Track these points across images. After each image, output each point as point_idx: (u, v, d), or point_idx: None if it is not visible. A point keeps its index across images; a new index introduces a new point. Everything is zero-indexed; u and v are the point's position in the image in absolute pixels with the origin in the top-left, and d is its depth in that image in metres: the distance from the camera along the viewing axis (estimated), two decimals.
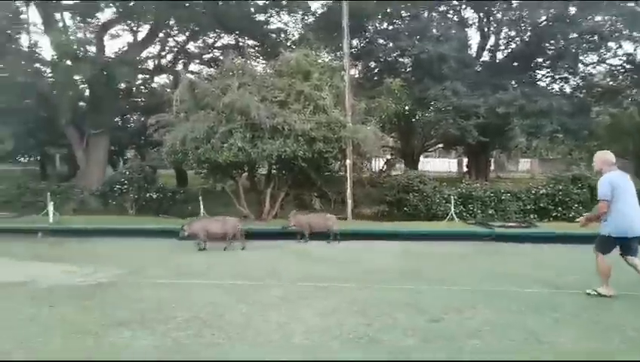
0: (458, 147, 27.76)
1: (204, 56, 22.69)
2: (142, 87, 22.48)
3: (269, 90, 11.45)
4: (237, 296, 5.67)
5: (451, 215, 12.17)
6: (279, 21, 20.67)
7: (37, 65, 16.66)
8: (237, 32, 20.59)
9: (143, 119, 25.48)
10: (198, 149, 11.24)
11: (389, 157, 18.90)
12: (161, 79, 24.63)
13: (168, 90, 22.26)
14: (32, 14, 24.48)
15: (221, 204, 14.04)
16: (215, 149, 11.13)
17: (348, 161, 11.97)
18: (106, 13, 17.72)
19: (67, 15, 16.70)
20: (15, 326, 4.66)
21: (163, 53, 21.32)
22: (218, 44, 22.23)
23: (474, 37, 35.16)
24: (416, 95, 17.64)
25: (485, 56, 21.22)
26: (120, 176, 14.14)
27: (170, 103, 16.44)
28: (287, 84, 11.48)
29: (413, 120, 20.42)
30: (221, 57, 21.33)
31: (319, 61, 11.73)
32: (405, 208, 12.86)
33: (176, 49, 21.70)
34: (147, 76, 21.76)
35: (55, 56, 16.11)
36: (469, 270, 7.28)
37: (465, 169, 25.45)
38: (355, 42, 19.14)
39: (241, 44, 21.05)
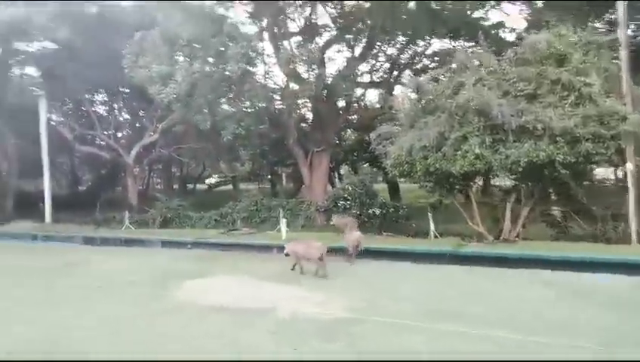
0: None
1: (414, 67, 21.65)
2: (355, 104, 22.66)
3: (511, 83, 9.38)
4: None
5: None
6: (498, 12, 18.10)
7: (270, 92, 17.91)
8: (450, 35, 18.80)
9: (355, 136, 26.00)
10: (427, 159, 9.90)
11: None
12: (373, 95, 24.51)
13: (379, 105, 22.19)
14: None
15: (448, 220, 12.40)
16: (447, 158, 9.63)
17: (629, 165, 8.91)
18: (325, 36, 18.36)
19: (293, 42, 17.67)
20: None
21: (377, 67, 21.05)
22: (428, 51, 20.92)
23: None
24: None
25: None
26: (342, 191, 13.85)
27: (386, 117, 15.76)
28: (536, 73, 9.21)
29: None
30: (430, 65, 20.12)
31: (578, 39, 9.08)
32: None
33: (387, 62, 21.16)
34: (363, 90, 21.81)
35: (284, 81, 17.22)
36: None
37: None
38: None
39: (453, 47, 19.30)
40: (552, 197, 11.18)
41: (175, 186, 33.62)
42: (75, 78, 19.52)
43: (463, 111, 9.46)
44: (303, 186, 26.23)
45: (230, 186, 39.62)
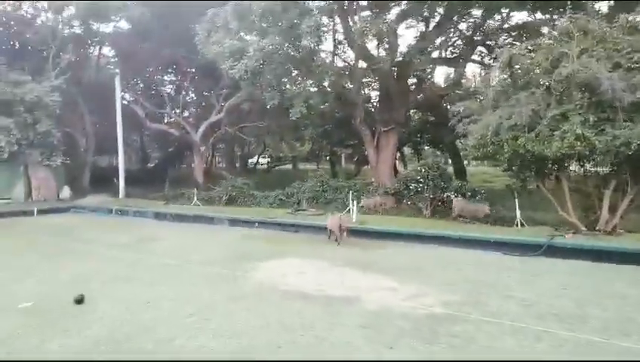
0: None
1: (487, 43, 20.11)
2: (426, 82, 21.55)
3: (623, 54, 8.18)
4: None
5: None
6: None
7: (339, 70, 17.31)
8: (533, 7, 17.12)
9: (418, 116, 24.88)
10: (517, 140, 8.96)
11: None
12: (438, 75, 23.20)
13: (447, 84, 20.92)
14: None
15: (530, 207, 11.38)
16: (541, 139, 8.65)
17: None
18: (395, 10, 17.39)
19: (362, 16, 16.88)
20: None
21: (448, 43, 19.77)
22: (505, 26, 19.28)
23: None
24: None
25: None
26: (415, 173, 13.10)
27: (455, 96, 14.69)
28: None
29: None
30: (507, 41, 18.56)
31: None
32: None
33: (460, 39, 19.77)
34: (430, 68, 20.64)
35: (353, 59, 16.56)
36: None
37: None
38: None
39: (533, 21, 17.63)
40: None
41: (237, 165, 34.11)
42: (147, 57, 19.95)
43: (564, 86, 8.41)
44: (366, 167, 25.77)
45: (288, 166, 39.82)
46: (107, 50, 22.44)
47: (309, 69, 15.80)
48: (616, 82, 7.77)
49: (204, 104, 24.29)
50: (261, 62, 13.41)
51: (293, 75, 16.33)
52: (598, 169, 10.21)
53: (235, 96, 19.73)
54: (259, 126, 22.47)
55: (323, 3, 14.92)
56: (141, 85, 24.06)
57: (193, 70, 21.95)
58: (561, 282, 5.95)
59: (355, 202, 11.74)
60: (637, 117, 7.88)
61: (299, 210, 13.52)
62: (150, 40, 19.35)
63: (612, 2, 14.99)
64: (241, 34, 14.39)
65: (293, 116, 14.59)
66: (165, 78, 24.31)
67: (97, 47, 21.90)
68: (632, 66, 8.02)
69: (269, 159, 39.06)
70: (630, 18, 8.97)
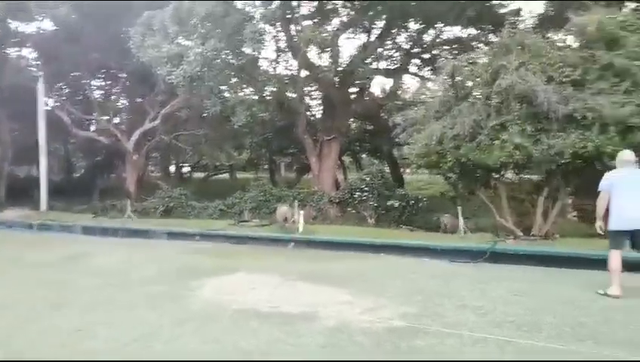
0: None
1: (422, 55, 20.86)
2: (366, 92, 21.89)
3: (556, 68, 8.67)
4: None
5: None
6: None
7: (282, 78, 17.12)
8: (465, 22, 17.95)
9: (358, 125, 25.23)
10: (459, 149, 9.22)
11: None
12: (376, 85, 23.74)
13: (383, 95, 21.41)
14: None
15: (472, 214, 11.79)
16: (482, 148, 8.95)
17: None
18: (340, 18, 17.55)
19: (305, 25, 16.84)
20: None
21: (386, 55, 20.23)
22: (438, 39, 20.11)
23: None
24: None
25: None
26: (360, 182, 13.15)
27: (394, 106, 15.07)
28: (584, 58, 8.53)
29: None
30: (439, 55, 19.36)
31: (637, 21, 8.39)
32: None
33: (397, 51, 20.32)
34: (371, 78, 21.00)
35: (295, 67, 16.47)
36: None
37: None
38: None
39: (465, 35, 18.59)
40: (588, 190, 10.56)
41: (172, 174, 32.74)
42: (74, 60, 18.59)
43: (503, 97, 8.77)
44: (307, 176, 25.68)
45: (225, 175, 38.86)
46: (29, 52, 20.69)
47: (250, 77, 15.47)
48: (550, 94, 8.20)
49: (137, 111, 23.06)
50: (201, 68, 12.91)
51: (234, 82, 15.92)
52: (532, 176, 10.79)
53: (172, 103, 18.88)
54: (196, 134, 21.69)
55: (264, 10, 14.69)
56: (67, 90, 22.40)
57: (125, 75, 20.79)
58: (510, 288, 6.08)
59: (301, 212, 11.51)
60: (569, 128, 8.35)
61: (242, 221, 13.08)
62: (78, 42, 18.04)
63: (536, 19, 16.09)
64: (180, 38, 13.79)
65: (236, 124, 14.16)
66: (94, 82, 22.81)
67: (18, 48, 20.14)
68: (564, 80, 8.52)
69: (186, 169, 37.79)
70: (559, 36, 9.62)
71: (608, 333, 4.33)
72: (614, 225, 5.90)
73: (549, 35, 9.86)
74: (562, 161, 8.44)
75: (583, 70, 8.48)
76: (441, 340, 4.32)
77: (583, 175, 9.82)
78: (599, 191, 6.20)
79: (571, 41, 9.49)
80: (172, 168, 34.94)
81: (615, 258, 5.84)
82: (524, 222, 10.47)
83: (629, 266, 6.59)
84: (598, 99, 7.98)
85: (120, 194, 18.80)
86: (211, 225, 12.78)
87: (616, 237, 5.89)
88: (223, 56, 13.64)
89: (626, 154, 6.23)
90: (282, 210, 11.69)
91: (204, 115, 19.07)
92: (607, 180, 6.12)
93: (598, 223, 6.18)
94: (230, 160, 33.18)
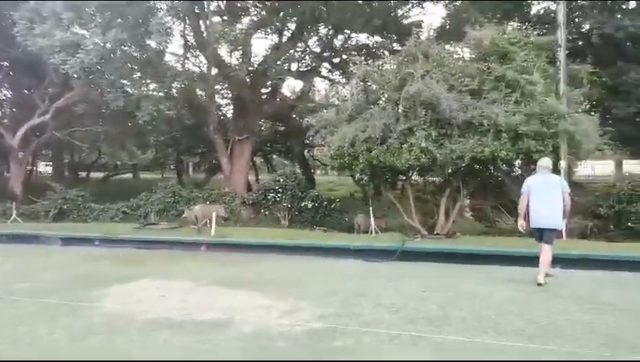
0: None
1: (333, 59, 21.40)
2: (278, 93, 21.85)
3: (456, 77, 9.33)
4: None
5: None
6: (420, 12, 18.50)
7: (191, 74, 16.44)
8: (372, 31, 18.72)
9: (269, 126, 25.12)
10: (371, 151, 9.55)
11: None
12: (286, 87, 23.76)
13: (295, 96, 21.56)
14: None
15: (381, 214, 12.27)
16: (391, 151, 9.35)
17: (562, 163, 9.35)
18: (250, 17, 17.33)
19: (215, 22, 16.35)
20: None
21: (297, 57, 20.36)
22: (346, 45, 20.77)
23: None
24: (607, 82, 14.25)
25: None
26: (273, 183, 13.05)
27: (306, 109, 15.27)
28: (481, 70, 9.28)
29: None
30: (348, 60, 20.02)
31: (518, 38, 9.32)
32: (630, 223, 9.85)
33: (308, 55, 20.56)
34: (283, 80, 21.01)
35: (205, 64, 15.93)
36: None
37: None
38: None
39: (372, 43, 19.45)
40: (483, 191, 11.52)
41: (66, 174, 29.89)
42: None
43: (410, 103, 9.23)
44: (217, 177, 24.98)
45: (129, 175, 36.47)
46: None
47: (156, 72, 14.65)
48: (452, 102, 8.80)
49: (24, 104, 20.71)
50: (100, 59, 11.95)
51: (138, 76, 14.99)
52: (435, 179, 11.51)
53: (66, 96, 17.24)
54: (94, 130, 20.03)
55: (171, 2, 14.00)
56: None
57: (7, 64, 18.58)
58: (420, 285, 6.40)
59: (213, 213, 11.13)
60: (468, 133, 9.02)
61: (148, 224, 12.32)
62: None
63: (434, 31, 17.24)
64: (76, 26, 12.64)
65: (141, 119, 13.29)
66: None
67: None
68: (463, 89, 9.18)
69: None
70: (457, 49, 10.38)
71: (507, 324, 4.73)
72: (531, 223, 6.72)
73: (447, 46, 10.57)
74: (462, 165, 9.10)
75: (479, 81, 9.21)
76: (359, 339, 4.40)
77: (479, 177, 10.76)
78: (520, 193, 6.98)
79: (468, 53, 10.25)
80: (67, 167, 31.88)
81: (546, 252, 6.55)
82: (429, 222, 11.15)
83: (522, 261, 7.34)
84: (492, 108, 8.72)
85: (3, 196, 16.73)
86: (113, 229, 11.88)
87: (535, 233, 6.78)
88: (126, 49, 12.77)
89: (544, 161, 6.96)
90: (195, 210, 11.47)
91: (104, 110, 17.76)
92: (526, 185, 6.85)
93: (520, 222, 6.89)
94: (133, 159, 31.16)
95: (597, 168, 27.20)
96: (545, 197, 6.58)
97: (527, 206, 6.73)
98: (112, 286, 6.63)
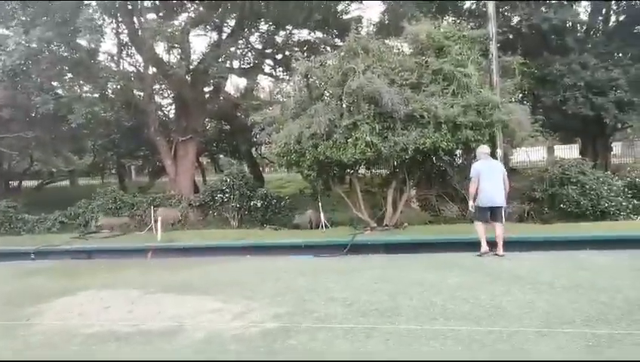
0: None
1: (275, 56, 21.26)
2: (221, 91, 21.41)
3: (396, 72, 9.53)
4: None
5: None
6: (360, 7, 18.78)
7: (127, 74, 15.74)
8: (312, 27, 18.73)
9: (213, 125, 24.61)
10: (317, 147, 9.57)
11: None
12: (229, 85, 23.36)
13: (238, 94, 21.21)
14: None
15: (330, 209, 12.37)
16: (337, 146, 9.42)
17: (499, 151, 9.81)
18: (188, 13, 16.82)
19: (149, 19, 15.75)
20: None
21: (239, 54, 20.02)
22: (289, 41, 20.70)
23: None
24: (535, 73, 15.12)
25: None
26: (220, 183, 12.79)
27: (250, 106, 15.15)
28: (419, 64, 9.53)
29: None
30: (291, 56, 19.99)
31: (452, 33, 9.65)
32: (562, 205, 10.51)
33: (250, 51, 20.27)
34: (226, 78, 20.60)
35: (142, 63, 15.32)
36: None
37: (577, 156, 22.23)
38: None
39: (313, 39, 19.51)
40: (427, 182, 11.89)
41: None
42: None
43: (353, 98, 9.33)
44: (160, 180, 24.20)
45: (65, 183, 34.51)
46: None
47: (89, 72, 13.92)
48: (393, 96, 8.97)
49: None
50: (25, 60, 11.19)
51: (69, 77, 14.20)
52: (381, 171, 11.74)
53: None
54: (24, 136, 18.74)
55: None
56: None
57: None
58: (371, 277, 6.51)
59: (159, 218, 10.74)
60: (410, 126, 9.23)
61: (89, 233, 11.71)
62: None
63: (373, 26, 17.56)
64: None
65: (73, 123, 12.58)
66: None
67: None
68: (403, 83, 9.40)
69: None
70: (396, 43, 10.60)
71: (455, 309, 4.90)
72: (480, 202, 7.54)
73: (386, 41, 10.78)
74: (407, 157, 9.33)
75: (418, 74, 9.46)
76: (313, 336, 4.41)
77: (423, 168, 11.06)
78: (468, 178, 7.98)
79: (406, 48, 10.51)
80: None
81: (480, 227, 7.55)
82: (377, 214, 11.35)
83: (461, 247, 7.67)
84: (431, 101, 9.00)
85: None
86: (51, 240, 11.21)
87: (481, 212, 7.57)
88: (54, 48, 12.04)
89: (484, 148, 7.98)
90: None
91: (33, 114, 16.65)
92: (475, 169, 7.67)
93: (471, 203, 7.77)
94: (69, 165, 29.38)
95: (531, 155, 28.83)
96: (493, 179, 7.46)
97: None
98: (51, 301, 6.25)
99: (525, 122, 9.60)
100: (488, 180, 7.47)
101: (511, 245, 7.67)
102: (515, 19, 15.38)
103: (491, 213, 7.54)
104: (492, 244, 7.46)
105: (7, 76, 11.19)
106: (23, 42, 10.85)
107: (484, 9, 11.96)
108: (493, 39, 10.21)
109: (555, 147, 27.54)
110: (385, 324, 4.57)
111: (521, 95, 10.44)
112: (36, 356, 4.38)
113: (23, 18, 11.37)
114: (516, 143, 10.75)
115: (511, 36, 16.42)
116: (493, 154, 9.32)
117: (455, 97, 9.15)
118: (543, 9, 14.93)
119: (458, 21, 11.02)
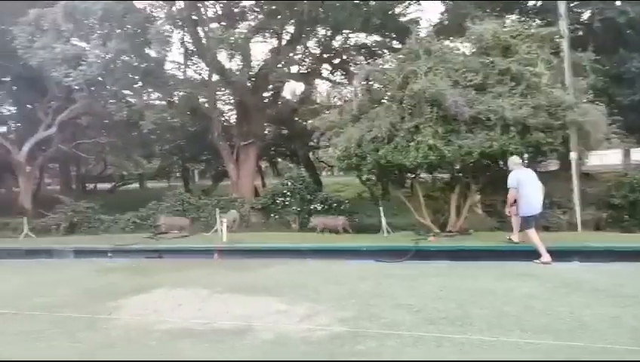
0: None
1: (333, 60, 21.33)
2: (280, 96, 21.83)
3: (459, 73, 9.27)
4: None
5: None
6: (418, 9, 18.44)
7: (192, 82, 16.48)
8: (372, 30, 18.61)
9: (272, 130, 25.10)
10: (379, 151, 9.50)
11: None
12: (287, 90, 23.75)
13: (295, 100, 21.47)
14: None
15: (392, 214, 12.19)
16: (399, 150, 9.30)
17: (573, 154, 9.27)
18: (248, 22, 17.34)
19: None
20: None
21: (297, 60, 20.31)
22: (345, 46, 20.68)
23: None
24: (610, 71, 14.14)
25: None
26: (281, 187, 13.03)
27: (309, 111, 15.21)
28: (484, 64, 9.21)
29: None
30: (348, 60, 19.95)
31: (525, 30, 9.25)
32: None
33: (307, 56, 20.49)
34: (285, 83, 20.99)
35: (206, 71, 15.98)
36: None
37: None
38: None
39: (370, 42, 19.40)
40: (492, 186, 11.42)
41: (74, 186, 30.00)
42: None
43: (415, 101, 9.17)
44: (223, 183, 25.01)
45: (135, 185, 36.56)
46: None
47: (158, 80, 14.68)
48: (457, 98, 8.74)
49: (28, 118, 20.80)
50: (101, 71, 11.99)
51: (139, 86, 15.03)
52: (444, 175, 11.43)
53: (69, 109, 17.30)
54: (100, 142, 20.11)
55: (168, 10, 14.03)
56: None
57: (9, 79, 18.64)
58: (437, 284, 6.36)
59: (224, 221, 11.11)
60: (476, 129, 8.94)
61: (160, 233, 12.32)
62: None
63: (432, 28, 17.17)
64: (75, 39, 12.67)
65: (144, 129, 13.31)
66: None
67: None
68: (467, 84, 9.12)
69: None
70: (457, 44, 10.31)
71: (531, 321, 4.67)
72: (527, 211, 7.66)
73: (447, 42, 10.51)
74: (471, 160, 9.03)
75: (483, 75, 9.14)
76: (382, 342, 4.37)
77: (489, 173, 10.64)
78: (509, 187, 7.98)
79: (468, 48, 10.19)
80: (74, 180, 31.98)
81: (534, 235, 7.52)
82: (440, 219, 11.07)
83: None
84: (498, 102, 8.66)
85: (12, 211, 16.79)
86: (125, 239, 11.90)
87: (529, 220, 7.63)
88: (127, 59, 12.81)
89: (517, 159, 8.23)
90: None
91: (108, 121, 17.79)
92: (515, 178, 7.83)
93: (508, 209, 8.18)
94: (139, 169, 31.26)
95: (604, 158, 27.01)
96: (534, 186, 7.77)
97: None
98: (128, 297, 6.62)
99: (601, 123, 8.98)
100: (531, 188, 7.70)
101: (588, 255, 7.21)
102: (586, 15, 14.47)
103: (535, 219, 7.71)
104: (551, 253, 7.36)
105: (86, 86, 12.01)
106: (101, 54, 11.63)
107: (552, 5, 11.39)
108: (565, 36, 9.66)
109: (632, 150, 25.59)
110: (456, 334, 4.44)
111: (593, 95, 9.73)
112: (118, 350, 4.64)
113: (100, 32, 12.18)
114: (591, 146, 10.07)
115: (581, 33, 15.51)
116: (566, 158, 8.89)
117: (524, 98, 8.76)
118: (618, 2, 13.97)
119: (523, 19, 10.46)
